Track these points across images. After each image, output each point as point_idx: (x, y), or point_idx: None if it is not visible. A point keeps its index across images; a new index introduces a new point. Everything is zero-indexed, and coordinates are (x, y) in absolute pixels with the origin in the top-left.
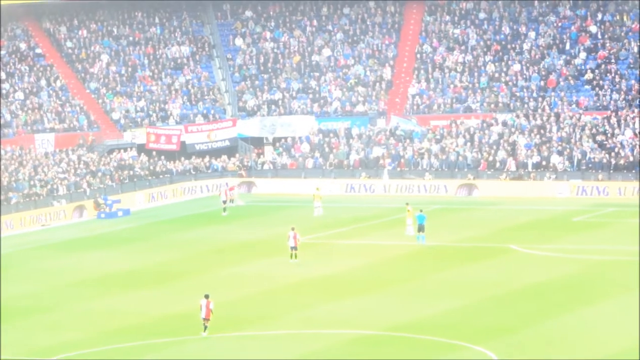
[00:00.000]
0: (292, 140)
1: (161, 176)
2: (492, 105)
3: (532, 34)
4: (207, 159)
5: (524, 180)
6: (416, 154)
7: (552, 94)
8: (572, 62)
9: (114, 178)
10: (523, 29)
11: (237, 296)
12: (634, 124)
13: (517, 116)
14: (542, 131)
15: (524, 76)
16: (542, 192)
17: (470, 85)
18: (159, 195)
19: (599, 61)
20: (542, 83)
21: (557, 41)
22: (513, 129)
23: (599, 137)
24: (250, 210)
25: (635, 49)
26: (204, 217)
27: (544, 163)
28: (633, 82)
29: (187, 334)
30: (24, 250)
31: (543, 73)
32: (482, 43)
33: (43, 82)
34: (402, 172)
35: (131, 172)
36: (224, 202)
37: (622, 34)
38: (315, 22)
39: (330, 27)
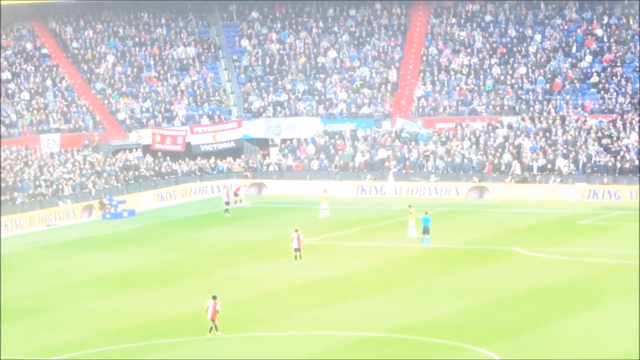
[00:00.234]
0: (297, 142)
1: (166, 177)
2: (498, 108)
3: (538, 37)
4: (212, 160)
5: (530, 183)
6: (421, 156)
7: (558, 97)
8: (578, 65)
9: (119, 179)
10: (529, 32)
11: (241, 297)
12: (639, 127)
13: (523, 119)
14: (547, 134)
15: (530, 79)
16: (552, 195)
17: (476, 88)
18: (165, 195)
19: (605, 64)
20: (547, 86)
21: (563, 44)
22: (518, 132)
23: (605, 141)
24: (255, 211)
25: None
26: (209, 218)
27: (549, 166)
28: (639, 85)
29: (192, 334)
30: (28, 250)
31: (549, 76)
32: (487, 46)
33: (49, 83)
34: (408, 175)
35: (136, 173)
36: (226, 203)
37: (628, 37)
38: (321, 24)
39: (336, 29)
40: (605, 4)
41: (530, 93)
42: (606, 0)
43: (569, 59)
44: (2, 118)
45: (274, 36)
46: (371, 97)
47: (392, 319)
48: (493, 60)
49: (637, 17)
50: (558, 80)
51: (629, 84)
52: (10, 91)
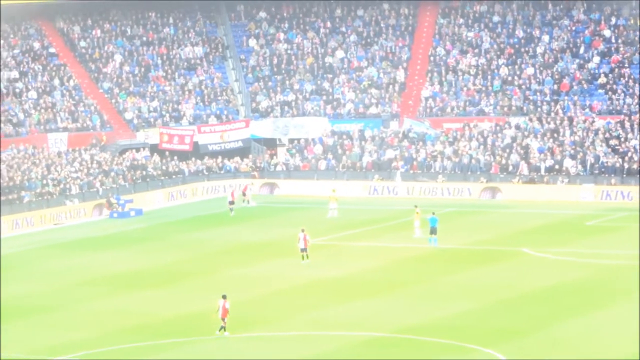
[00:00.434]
0: (305, 142)
1: (174, 176)
2: (505, 109)
3: (545, 38)
4: (219, 159)
5: (537, 184)
6: (429, 156)
7: (566, 97)
8: (586, 66)
9: (127, 178)
10: (537, 33)
11: (247, 297)
12: None
13: (530, 120)
14: (555, 135)
15: (537, 80)
16: (560, 196)
17: (484, 89)
18: (172, 195)
19: (613, 65)
20: (555, 87)
21: (571, 45)
22: (526, 133)
23: (612, 142)
24: (262, 211)
25: None
26: (216, 217)
27: (556, 167)
28: None
29: (197, 334)
30: (34, 249)
31: (556, 77)
32: (495, 46)
33: (56, 82)
34: (415, 175)
35: (144, 172)
36: (231, 202)
37: (636, 38)
38: (328, 24)
39: (343, 29)
40: (613, 4)
41: (538, 94)
42: (614, 0)
43: (577, 60)
44: (9, 117)
45: (282, 36)
46: (379, 97)
47: (399, 319)
48: (501, 61)
49: None
50: (566, 81)
51: (637, 85)
52: (17, 90)
